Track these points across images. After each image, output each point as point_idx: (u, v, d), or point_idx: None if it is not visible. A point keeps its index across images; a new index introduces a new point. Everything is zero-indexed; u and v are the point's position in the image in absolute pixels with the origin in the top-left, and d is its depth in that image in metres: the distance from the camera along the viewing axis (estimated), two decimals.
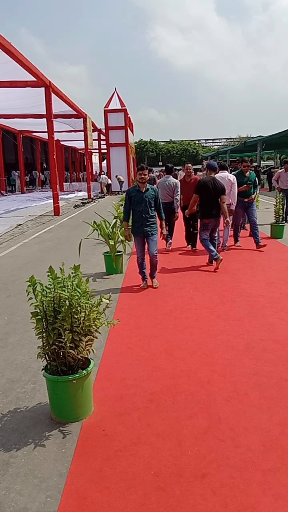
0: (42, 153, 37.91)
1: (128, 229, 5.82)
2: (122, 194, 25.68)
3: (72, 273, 2.94)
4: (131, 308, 4.99)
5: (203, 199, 6.83)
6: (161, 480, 2.22)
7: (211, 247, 6.82)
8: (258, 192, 9.21)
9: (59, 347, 2.73)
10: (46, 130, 16.26)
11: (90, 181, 27.58)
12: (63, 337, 2.69)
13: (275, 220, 9.38)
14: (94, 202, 22.79)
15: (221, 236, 7.96)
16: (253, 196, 8.29)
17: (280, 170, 11.97)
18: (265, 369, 3.38)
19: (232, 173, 9.02)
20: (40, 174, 36.72)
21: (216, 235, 7.19)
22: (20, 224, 13.62)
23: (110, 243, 6.61)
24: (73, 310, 2.74)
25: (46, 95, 15.39)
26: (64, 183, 36.21)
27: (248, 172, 8.33)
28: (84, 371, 2.79)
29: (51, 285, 2.81)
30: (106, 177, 29.98)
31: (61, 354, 2.75)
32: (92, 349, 2.88)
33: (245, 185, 8.15)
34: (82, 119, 22.99)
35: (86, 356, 2.86)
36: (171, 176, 8.45)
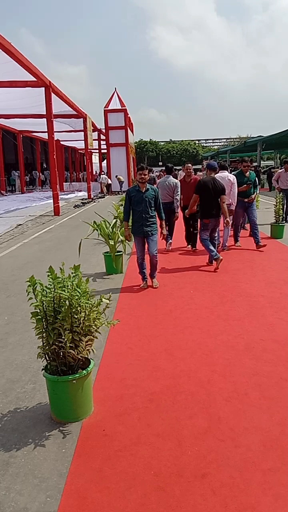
0: (42, 153, 37.91)
1: (128, 229, 5.82)
2: (122, 194, 25.69)
3: (72, 273, 2.94)
4: (131, 308, 4.99)
5: (203, 199, 6.83)
6: (161, 480, 2.22)
7: (211, 247, 6.82)
8: (258, 192, 9.21)
9: (59, 347, 2.73)
10: (46, 130, 16.26)
11: (90, 181, 27.58)
12: (63, 337, 2.69)
13: (275, 220, 9.38)
14: (94, 202, 22.79)
15: (221, 236, 7.96)
16: (253, 196, 8.29)
17: (280, 170, 11.97)
18: (265, 369, 3.38)
19: (232, 173, 9.02)
20: (40, 174, 36.72)
21: (216, 235, 7.19)
22: (20, 224, 13.62)
23: (110, 243, 6.61)
24: (73, 310, 2.74)
25: (46, 95, 15.39)
26: (64, 183, 36.22)
27: (248, 172, 8.33)
28: (84, 371, 2.79)
29: (51, 285, 2.81)
30: (106, 177, 29.98)
31: (61, 354, 2.75)
32: (92, 349, 2.88)
33: (245, 185, 8.15)
34: (82, 119, 22.99)
35: (86, 356, 2.86)
36: (171, 176, 8.45)
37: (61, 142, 34.31)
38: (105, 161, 36.90)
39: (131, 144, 34.53)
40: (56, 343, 2.73)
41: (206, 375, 3.31)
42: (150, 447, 2.48)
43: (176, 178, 10.33)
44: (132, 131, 35.54)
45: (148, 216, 5.60)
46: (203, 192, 6.78)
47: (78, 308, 2.75)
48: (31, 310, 2.82)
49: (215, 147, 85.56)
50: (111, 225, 6.91)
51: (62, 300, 2.73)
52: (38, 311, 2.78)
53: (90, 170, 29.97)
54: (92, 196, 25.21)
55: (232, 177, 8.04)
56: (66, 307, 2.71)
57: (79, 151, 44.20)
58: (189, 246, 8.42)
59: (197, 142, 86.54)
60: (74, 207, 19.65)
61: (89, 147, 24.43)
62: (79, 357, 2.79)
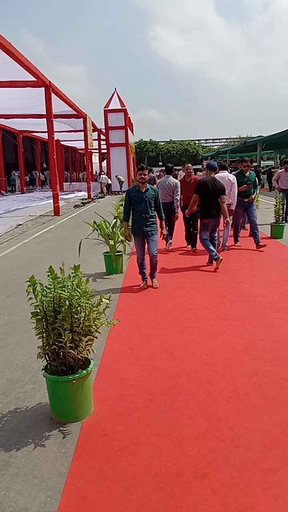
0: (42, 153, 37.91)
1: (128, 229, 5.82)
2: (122, 194, 25.69)
3: (72, 273, 2.94)
4: (131, 308, 4.99)
5: (203, 199, 6.83)
6: (161, 480, 2.22)
7: (211, 247, 6.82)
8: (258, 192, 9.21)
9: (59, 347, 2.73)
10: (46, 130, 16.26)
11: (90, 181, 27.58)
12: (63, 337, 2.69)
13: (275, 220, 9.38)
14: (94, 202, 22.80)
15: (221, 236, 7.96)
16: (253, 196, 8.29)
17: (280, 170, 11.97)
18: (265, 369, 3.38)
19: (232, 173, 9.02)
20: (40, 174, 36.72)
21: (216, 235, 7.19)
22: (20, 224, 13.62)
23: (110, 243, 6.61)
24: (73, 310, 2.74)
25: (46, 95, 15.39)
26: (64, 183, 36.22)
27: (248, 172, 8.33)
28: (84, 371, 2.79)
29: (51, 285, 2.81)
30: (106, 177, 29.98)
31: (61, 354, 2.75)
32: (92, 349, 2.88)
33: (245, 185, 8.15)
34: (82, 119, 22.99)
35: (86, 356, 2.86)
36: (171, 176, 8.46)
37: (61, 142, 34.31)
38: (105, 161, 36.89)
39: (131, 144, 34.53)
40: (56, 343, 2.73)
41: (206, 375, 3.31)
42: (150, 447, 2.48)
43: (176, 178, 10.33)
44: (132, 131, 35.55)
45: (148, 216, 5.59)
46: (203, 192, 6.78)
47: (78, 308, 2.75)
48: (31, 310, 2.82)
49: (215, 147, 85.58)
50: (111, 225, 6.91)
51: (62, 300, 2.73)
52: (38, 311, 2.78)
53: (90, 170, 29.97)
54: (92, 196, 25.21)
55: (232, 177, 8.04)
56: (66, 307, 2.71)
57: (79, 151, 44.20)
58: (189, 246, 8.42)
59: (197, 142, 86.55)
60: (74, 207, 19.65)
61: (89, 147, 24.43)
62: (79, 357, 2.79)
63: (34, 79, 14.43)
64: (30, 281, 2.79)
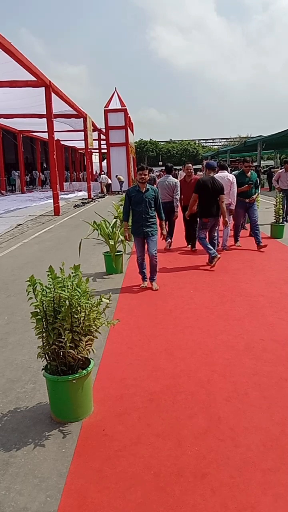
0: (42, 153, 37.90)
1: (128, 229, 5.81)
2: (122, 194, 25.67)
3: (72, 273, 2.94)
4: (131, 308, 4.99)
5: (202, 198, 6.83)
6: (161, 480, 2.22)
7: (209, 245, 6.83)
8: (259, 192, 9.21)
9: (59, 347, 2.73)
10: (46, 130, 16.26)
11: (90, 181, 27.58)
12: (63, 337, 2.69)
13: (275, 220, 9.38)
14: (94, 202, 22.79)
15: (220, 236, 7.96)
16: (254, 196, 8.29)
17: (280, 170, 11.97)
18: (265, 369, 3.38)
19: (233, 173, 9.02)
20: (40, 174, 36.71)
21: (215, 234, 7.20)
22: (20, 224, 13.62)
23: (110, 243, 6.61)
24: (73, 310, 2.74)
25: (46, 95, 15.39)
26: (64, 183, 36.21)
27: (249, 173, 8.32)
28: (84, 371, 2.79)
29: (51, 285, 2.81)
30: (106, 177, 29.97)
31: (61, 354, 2.75)
32: (92, 349, 2.88)
33: (246, 185, 8.15)
34: (82, 119, 22.99)
35: (86, 356, 2.86)
36: (170, 176, 8.46)
37: (61, 142, 34.30)
38: (105, 161, 36.89)
39: (131, 144, 34.52)
40: (56, 343, 2.73)
41: (206, 375, 3.31)
42: (150, 447, 2.48)
43: (176, 178, 10.33)
44: (132, 131, 35.53)
45: (148, 216, 5.59)
46: (203, 191, 6.79)
47: (78, 308, 2.75)
48: (31, 310, 2.82)
49: (215, 147, 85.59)
50: (111, 225, 6.91)
51: (62, 300, 2.73)
52: (38, 311, 2.78)
53: (90, 170, 29.96)
54: (92, 196, 25.20)
55: (231, 177, 8.04)
56: (66, 307, 2.71)
57: (79, 151, 44.18)
58: (189, 246, 8.42)
59: (197, 142, 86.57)
60: (74, 207, 19.65)
61: (89, 147, 24.43)
62: (79, 357, 2.79)
63: (34, 79, 14.43)
64: (30, 281, 2.79)
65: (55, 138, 17.81)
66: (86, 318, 2.80)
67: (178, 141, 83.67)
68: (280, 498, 2.07)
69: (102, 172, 34.29)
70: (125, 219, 5.78)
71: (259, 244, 8.03)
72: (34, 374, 3.47)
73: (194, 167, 10.51)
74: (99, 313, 2.89)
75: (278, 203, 9.31)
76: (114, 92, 30.22)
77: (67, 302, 2.72)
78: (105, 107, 29.49)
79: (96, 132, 31.53)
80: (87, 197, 25.02)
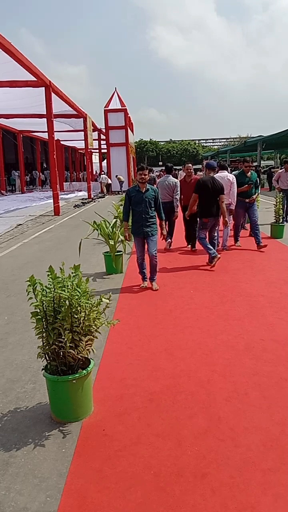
0: (42, 153, 37.90)
1: (128, 229, 5.81)
2: (122, 194, 25.67)
3: (72, 273, 2.94)
4: (131, 308, 4.99)
5: (202, 198, 6.83)
6: (161, 480, 2.22)
7: (209, 245, 6.83)
8: (259, 192, 9.21)
9: (59, 347, 2.73)
10: (46, 130, 16.26)
11: (90, 181, 27.58)
12: (63, 337, 2.69)
13: (275, 220, 9.38)
14: (94, 202, 22.79)
15: (220, 236, 7.96)
16: (254, 196, 8.29)
17: (280, 170, 11.97)
18: (265, 369, 3.38)
19: (233, 173, 9.02)
20: (40, 174, 36.71)
21: (215, 234, 7.20)
22: (20, 224, 13.62)
23: (110, 243, 6.61)
24: (73, 310, 2.74)
25: (46, 95, 15.39)
26: (64, 183, 36.20)
27: (249, 173, 8.33)
28: (84, 371, 2.79)
29: (51, 285, 2.81)
30: (106, 177, 29.97)
31: (61, 354, 2.75)
32: (92, 349, 2.88)
33: (246, 186, 8.15)
34: (82, 119, 22.98)
35: (86, 356, 2.86)
36: (170, 176, 8.46)
37: (61, 142, 34.30)
38: (105, 161, 36.89)
39: (131, 144, 34.52)
40: (56, 343, 2.73)
41: (206, 375, 3.31)
42: (150, 447, 2.48)
43: (176, 178, 10.33)
44: (132, 131, 35.53)
45: (148, 216, 5.59)
46: (202, 191, 6.79)
47: (78, 308, 2.75)
48: (31, 310, 2.82)
49: (215, 147, 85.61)
50: (111, 225, 6.91)
51: (62, 300, 2.73)
52: (38, 311, 2.78)
53: (90, 170, 29.96)
54: (92, 196, 25.20)
55: (231, 177, 8.04)
56: (66, 307, 2.71)
57: (79, 151, 44.18)
58: (189, 246, 8.42)
59: (197, 142, 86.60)
60: (74, 207, 19.65)
61: (89, 147, 24.43)
62: (79, 357, 2.79)
63: (34, 79, 14.43)
64: (30, 280, 2.79)
65: (55, 138, 17.81)
66: (86, 318, 2.80)
67: (178, 141, 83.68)
68: (280, 498, 2.07)
69: (102, 172, 34.29)
70: (125, 219, 5.78)
71: (259, 244, 8.03)
72: (34, 374, 3.47)
73: (194, 167, 10.51)
74: (99, 313, 2.89)
75: (278, 203, 9.31)
76: (114, 92, 30.22)
77: (67, 302, 2.72)
78: (105, 107, 29.48)
79: (96, 132, 31.52)
80: (87, 197, 25.02)
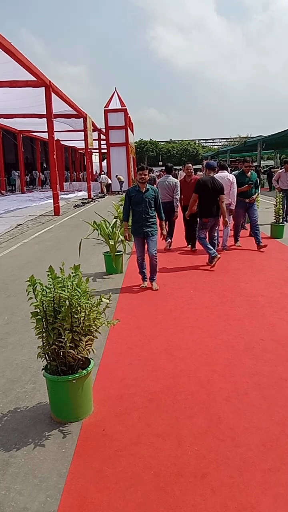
0: (42, 153, 37.90)
1: (128, 229, 5.81)
2: (122, 194, 25.67)
3: (72, 273, 2.94)
4: (131, 308, 4.99)
5: (202, 198, 6.83)
6: (161, 480, 2.22)
7: (209, 245, 6.83)
8: (259, 192, 9.22)
9: (59, 347, 2.73)
10: (46, 130, 16.26)
11: (90, 181, 27.58)
12: (63, 337, 2.69)
13: (275, 220, 9.38)
14: (94, 202, 22.79)
15: (220, 236, 7.96)
16: (254, 196, 8.29)
17: (280, 170, 11.97)
18: (265, 369, 3.38)
19: (233, 173, 9.02)
20: (40, 174, 36.71)
21: (215, 234, 7.20)
22: (20, 224, 13.62)
23: (110, 243, 6.61)
24: (73, 310, 2.74)
25: (46, 95, 15.39)
26: (64, 183, 36.20)
27: (249, 173, 8.33)
28: (84, 371, 2.79)
29: (51, 285, 2.81)
30: (106, 177, 29.97)
31: (61, 354, 2.75)
32: (92, 349, 2.88)
33: (246, 186, 8.15)
34: (82, 119, 22.98)
35: (86, 356, 2.86)
36: (170, 176, 8.46)
37: (61, 142, 34.30)
38: (105, 161, 36.89)
39: (131, 144, 34.51)
40: (56, 343, 2.73)
41: (206, 375, 3.31)
42: (150, 447, 2.48)
43: (176, 178, 10.33)
44: (132, 131, 35.53)
45: (148, 216, 5.59)
46: (202, 191, 6.79)
47: (78, 308, 2.75)
48: (31, 310, 2.82)
49: (215, 147, 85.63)
50: (111, 225, 6.91)
51: (62, 300, 2.73)
52: (38, 311, 2.78)
53: (90, 170, 29.96)
54: (92, 196, 25.20)
55: (231, 177, 8.04)
56: (66, 307, 2.71)
57: (79, 151, 44.18)
58: (189, 246, 8.42)
59: (197, 142, 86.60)
60: (74, 207, 19.65)
61: (89, 147, 24.42)
62: (79, 357, 2.79)
63: (34, 79, 14.43)
64: (30, 280, 2.79)
65: (55, 138, 17.82)
66: (86, 318, 2.80)
67: (178, 141, 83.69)
68: (280, 498, 2.07)
69: (102, 172, 34.29)
70: (125, 219, 5.78)
71: (259, 244, 8.03)
72: (34, 374, 3.47)
73: (194, 167, 10.51)
74: (99, 313, 2.89)
75: (278, 203, 9.31)
76: (114, 92, 30.21)
77: (67, 302, 2.72)
78: (105, 107, 29.48)
79: (96, 132, 31.52)
80: (87, 197, 25.02)
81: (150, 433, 2.61)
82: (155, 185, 8.31)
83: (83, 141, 25.02)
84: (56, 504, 2.09)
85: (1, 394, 3.19)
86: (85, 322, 2.80)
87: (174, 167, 10.54)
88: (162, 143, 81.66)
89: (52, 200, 17.22)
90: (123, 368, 3.50)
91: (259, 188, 9.30)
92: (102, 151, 38.41)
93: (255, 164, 24.50)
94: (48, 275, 2.83)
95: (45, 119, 16.63)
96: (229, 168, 10.90)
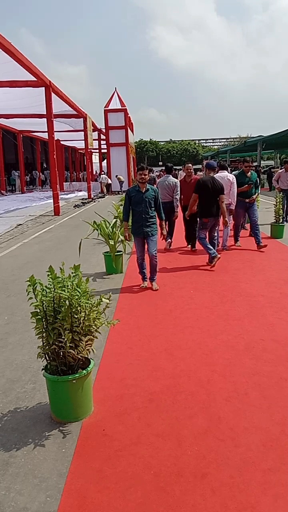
0: (42, 153, 37.90)
1: (128, 229, 5.81)
2: (122, 194, 25.67)
3: (72, 273, 2.94)
4: (131, 308, 4.99)
5: (202, 198, 6.83)
6: (161, 480, 2.22)
7: (209, 245, 6.83)
8: (259, 192, 9.22)
9: (59, 347, 2.73)
10: (46, 130, 16.26)
11: (90, 181, 27.58)
12: (63, 337, 2.69)
13: (275, 220, 9.38)
14: (94, 202, 22.79)
15: (220, 236, 7.96)
16: (254, 196, 8.29)
17: (280, 170, 11.97)
18: (265, 369, 3.38)
19: (233, 173, 9.02)
20: (40, 174, 36.71)
21: (215, 234, 7.20)
22: (20, 224, 13.62)
23: (110, 243, 6.61)
24: (73, 310, 2.74)
25: (46, 95, 15.39)
26: (64, 183, 36.20)
27: (249, 173, 8.33)
28: (84, 371, 2.79)
29: (51, 285, 2.81)
30: (106, 177, 29.98)
31: (61, 354, 2.75)
32: (92, 349, 2.88)
33: (246, 186, 8.15)
34: (82, 119, 22.99)
35: (86, 356, 2.86)
36: (170, 176, 8.46)
37: (61, 142, 34.30)
38: (105, 161, 36.89)
39: (131, 144, 34.51)
40: (56, 343, 2.73)
41: (206, 375, 3.31)
42: (150, 447, 2.48)
43: (176, 178, 10.33)
44: (132, 131, 35.53)
45: (148, 216, 5.59)
46: (202, 191, 6.79)
47: (78, 308, 2.75)
48: (31, 310, 2.82)
49: (215, 147, 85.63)
50: (111, 225, 6.91)
51: (62, 300, 2.73)
52: (38, 311, 2.78)
53: (90, 170, 29.96)
54: (92, 196, 25.20)
55: (231, 177, 8.04)
56: (66, 307, 2.71)
57: (79, 151, 44.19)
58: (189, 246, 8.42)
59: (197, 142, 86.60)
60: (74, 207, 19.65)
61: (89, 147, 24.42)
62: (79, 357, 2.79)
63: (34, 79, 14.43)
64: (30, 280, 2.79)
65: (55, 138, 17.82)
66: (86, 318, 2.80)
67: (178, 141, 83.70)
68: (280, 498, 2.07)
69: (102, 172, 34.29)
70: (125, 219, 5.78)
71: (259, 244, 8.03)
72: (34, 374, 3.47)
73: (194, 167, 10.51)
74: (99, 313, 2.89)
75: (278, 203, 9.31)
76: (114, 92, 30.21)
77: (67, 302, 2.72)
78: (105, 107, 29.48)
79: (96, 132, 31.52)
80: (87, 197, 25.02)
81: (150, 433, 2.61)
82: (155, 185, 8.31)
83: (83, 141, 25.02)
84: (56, 504, 2.09)
85: (1, 394, 3.19)
86: (85, 322, 2.80)
87: (174, 167, 10.54)
88: (162, 143, 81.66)
89: (52, 200, 17.23)
90: (123, 368, 3.50)
91: (259, 188, 9.30)
92: (102, 151, 38.41)
93: (255, 164, 24.50)
94: (48, 275, 2.83)
95: (45, 119, 16.63)
96: (229, 168, 10.90)
